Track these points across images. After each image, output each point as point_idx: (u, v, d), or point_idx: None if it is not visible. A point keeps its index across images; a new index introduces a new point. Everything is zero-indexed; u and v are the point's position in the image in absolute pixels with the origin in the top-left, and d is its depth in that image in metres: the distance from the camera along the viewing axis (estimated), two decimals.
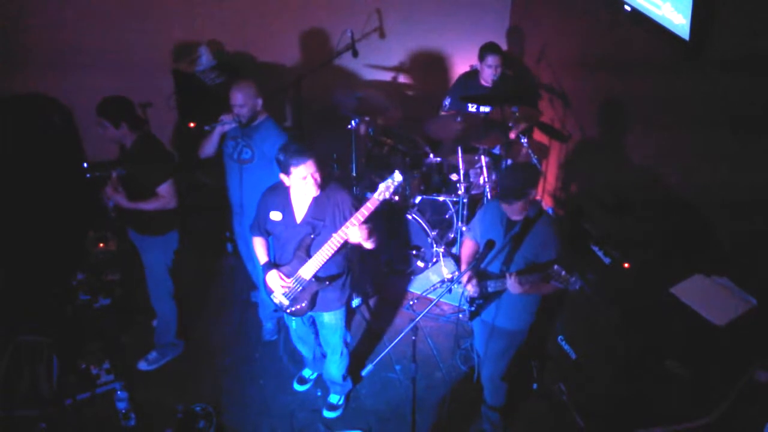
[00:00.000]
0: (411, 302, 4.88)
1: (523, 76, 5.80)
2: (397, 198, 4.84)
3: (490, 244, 3.21)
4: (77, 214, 5.07)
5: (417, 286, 5.02)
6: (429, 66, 6.15)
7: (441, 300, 4.68)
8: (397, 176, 3.17)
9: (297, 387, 4.20)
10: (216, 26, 5.56)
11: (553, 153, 5.58)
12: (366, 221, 3.23)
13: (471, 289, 3.36)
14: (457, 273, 4.89)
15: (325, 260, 3.33)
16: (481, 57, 4.84)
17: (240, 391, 4.15)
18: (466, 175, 4.83)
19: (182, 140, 5.59)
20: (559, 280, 3.05)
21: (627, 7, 4.12)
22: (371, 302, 4.88)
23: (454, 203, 4.95)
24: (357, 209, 3.25)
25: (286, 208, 3.41)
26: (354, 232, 3.21)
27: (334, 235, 3.27)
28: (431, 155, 4.98)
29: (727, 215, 3.50)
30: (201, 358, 4.39)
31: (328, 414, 4.01)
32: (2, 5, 5.11)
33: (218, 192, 4.38)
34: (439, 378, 4.26)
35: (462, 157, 4.73)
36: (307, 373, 4.24)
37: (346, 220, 3.28)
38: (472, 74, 5.06)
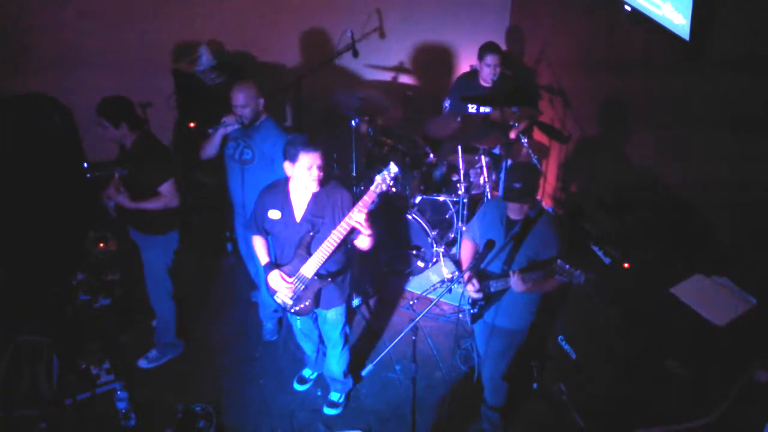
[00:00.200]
0: (411, 302, 4.88)
1: (523, 76, 5.80)
2: (394, 190, 4.85)
3: (490, 244, 3.21)
4: (77, 214, 5.07)
5: (417, 286, 5.02)
6: (429, 66, 6.15)
7: (441, 300, 4.67)
8: (393, 167, 3.18)
9: (297, 387, 4.20)
10: (216, 26, 5.56)
11: (553, 153, 5.59)
12: (367, 213, 3.23)
13: (472, 289, 3.35)
14: (457, 273, 4.89)
15: (326, 257, 3.33)
16: (480, 56, 4.85)
17: (240, 391, 4.15)
18: (466, 175, 4.83)
19: (182, 140, 5.59)
20: (564, 274, 3.05)
21: (627, 7, 4.12)
22: (371, 302, 4.88)
23: (454, 203, 4.95)
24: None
25: (285, 207, 3.41)
26: (360, 218, 3.20)
27: (336, 228, 3.27)
28: (431, 155, 4.98)
29: (727, 215, 3.50)
30: (201, 358, 4.39)
31: (328, 411, 4.01)
32: (2, 5, 5.11)
33: (218, 192, 4.37)
34: (439, 378, 4.26)
35: (462, 157, 4.73)
36: (307, 372, 4.24)
37: (345, 216, 3.29)
38: (472, 74, 5.06)
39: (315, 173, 3.26)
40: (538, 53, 5.65)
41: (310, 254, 3.36)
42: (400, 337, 3.07)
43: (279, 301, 3.50)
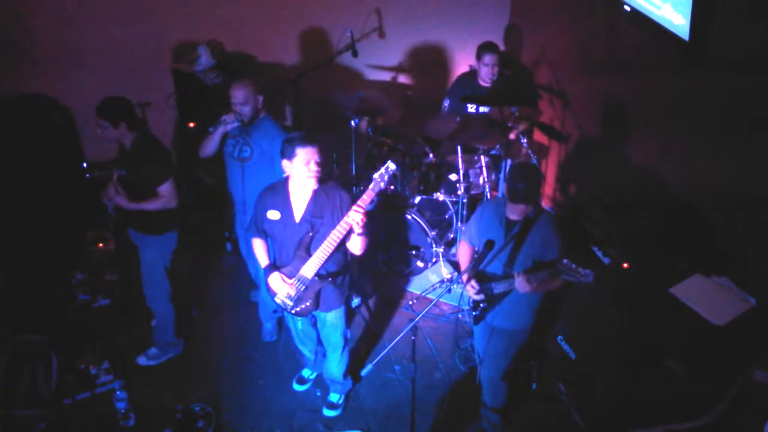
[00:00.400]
0: (410, 302, 4.88)
1: (522, 77, 5.80)
2: (392, 188, 4.85)
3: (489, 244, 3.19)
4: (76, 213, 5.07)
5: (416, 286, 5.02)
6: (428, 66, 6.15)
7: (440, 300, 4.66)
8: (391, 165, 3.19)
9: (296, 387, 4.20)
10: (215, 26, 5.55)
11: (553, 153, 5.59)
12: (365, 212, 3.23)
13: (472, 291, 3.33)
14: (456, 274, 4.89)
15: (326, 257, 3.33)
16: (479, 56, 4.85)
17: (239, 391, 4.15)
18: (466, 175, 4.83)
19: (182, 140, 5.59)
20: (572, 274, 3.04)
21: (627, 7, 4.12)
22: (371, 302, 4.88)
23: (454, 203, 4.95)
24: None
25: (285, 207, 3.40)
26: (358, 218, 3.20)
27: (336, 228, 3.27)
28: (431, 155, 4.98)
29: (727, 215, 3.50)
30: (201, 358, 4.39)
31: (327, 413, 4.01)
32: (2, 5, 5.11)
33: (218, 190, 4.37)
34: (438, 378, 4.26)
35: (462, 157, 4.73)
36: (306, 373, 4.24)
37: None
38: (471, 74, 5.07)
39: (313, 169, 3.26)
40: (537, 53, 5.65)
41: (309, 255, 3.36)
42: (399, 337, 3.06)
43: (279, 302, 3.50)
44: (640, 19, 3.97)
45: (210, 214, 5.27)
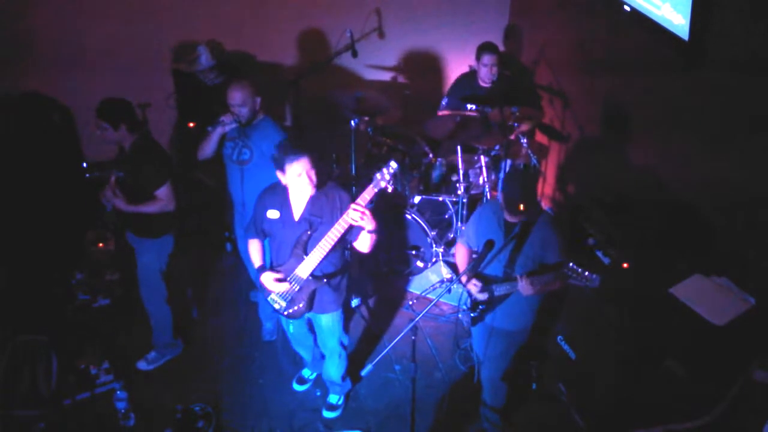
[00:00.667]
0: (410, 302, 4.88)
1: (522, 77, 5.80)
2: (393, 187, 4.83)
3: (489, 244, 3.17)
4: (76, 213, 5.07)
5: (416, 286, 5.02)
6: (428, 66, 6.15)
7: (440, 300, 4.65)
8: (392, 164, 3.19)
9: (296, 387, 4.20)
10: (215, 26, 5.55)
11: (553, 153, 5.58)
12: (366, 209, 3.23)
13: (475, 290, 3.32)
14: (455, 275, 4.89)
15: (322, 256, 3.32)
16: (478, 56, 4.85)
17: (239, 391, 4.15)
18: (466, 175, 4.83)
19: (182, 140, 5.59)
20: (578, 277, 3.03)
21: (626, 7, 4.12)
22: (370, 302, 4.88)
23: (454, 203, 4.95)
24: None
25: (284, 206, 3.40)
26: (356, 216, 3.19)
27: (333, 227, 3.26)
28: (431, 155, 4.98)
29: (727, 215, 3.50)
30: (200, 358, 4.39)
31: (327, 414, 4.01)
32: (3, 5, 5.11)
33: (217, 191, 4.37)
34: (438, 378, 4.26)
35: (461, 157, 4.73)
36: (306, 373, 4.24)
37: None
38: (471, 75, 5.07)
39: (306, 179, 3.25)
40: (537, 53, 5.65)
41: (306, 254, 3.36)
42: (399, 337, 3.06)
43: (272, 302, 3.49)
44: (639, 19, 3.98)
45: (210, 215, 5.27)
